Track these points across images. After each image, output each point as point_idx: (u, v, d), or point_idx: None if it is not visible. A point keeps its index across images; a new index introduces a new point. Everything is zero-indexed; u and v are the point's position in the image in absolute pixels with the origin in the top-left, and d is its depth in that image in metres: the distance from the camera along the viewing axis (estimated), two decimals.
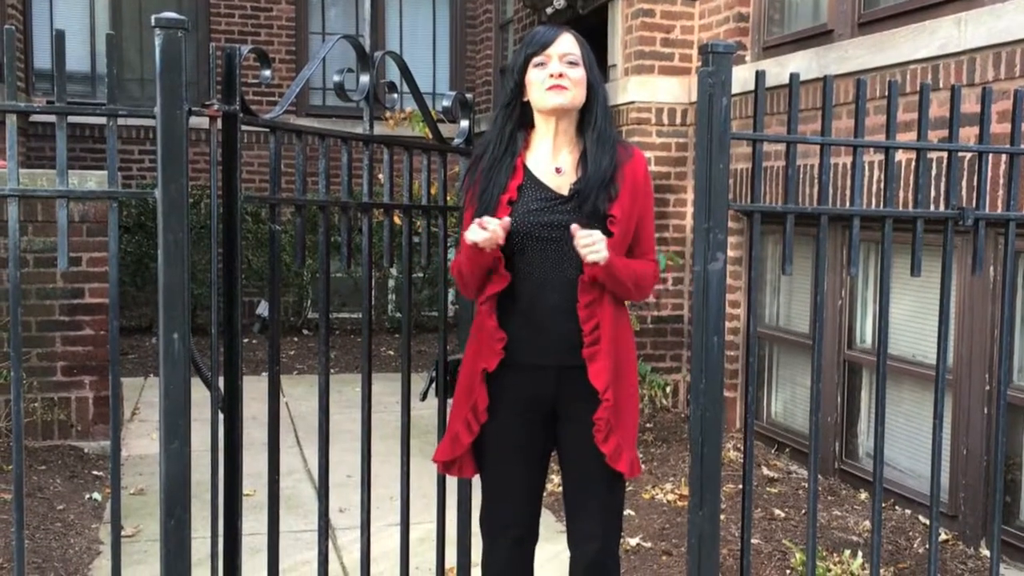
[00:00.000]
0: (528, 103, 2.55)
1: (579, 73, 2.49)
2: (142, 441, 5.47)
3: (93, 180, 4.92)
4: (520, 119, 2.58)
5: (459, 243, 2.67)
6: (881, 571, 3.72)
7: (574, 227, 2.40)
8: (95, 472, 4.83)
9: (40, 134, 9.00)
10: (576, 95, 2.49)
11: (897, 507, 4.55)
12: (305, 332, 9.15)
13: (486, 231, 2.39)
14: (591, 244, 2.38)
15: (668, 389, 6.17)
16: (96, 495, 4.50)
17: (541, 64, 2.49)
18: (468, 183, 2.61)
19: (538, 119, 2.56)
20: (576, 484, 2.62)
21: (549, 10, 7.55)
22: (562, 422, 2.59)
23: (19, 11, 9.01)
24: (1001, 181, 3.85)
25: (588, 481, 2.58)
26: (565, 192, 2.51)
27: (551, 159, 2.55)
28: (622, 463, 2.51)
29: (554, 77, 2.46)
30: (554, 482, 4.31)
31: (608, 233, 2.46)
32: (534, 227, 2.48)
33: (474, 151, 2.68)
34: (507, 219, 2.43)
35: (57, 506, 4.33)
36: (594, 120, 2.53)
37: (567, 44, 2.50)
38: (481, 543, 2.71)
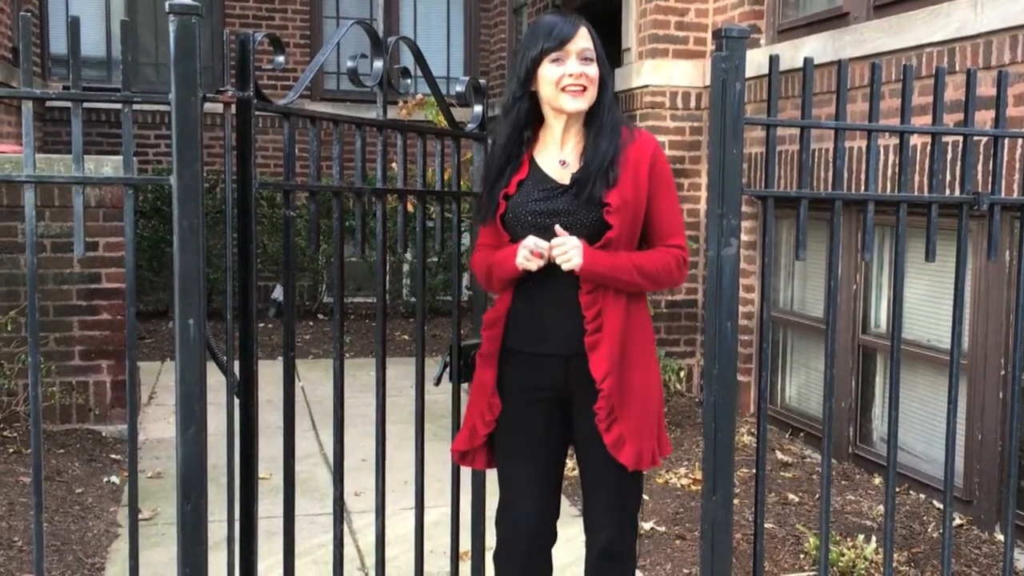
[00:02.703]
0: (535, 92, 2.52)
1: (595, 70, 2.47)
2: (159, 425, 5.50)
3: (109, 165, 4.94)
4: (528, 111, 2.54)
5: (476, 233, 2.68)
6: (895, 555, 3.72)
7: (557, 228, 2.42)
8: (113, 455, 4.87)
9: (56, 119, 9.03)
10: (592, 94, 2.48)
11: (911, 492, 4.54)
12: (320, 316, 9.18)
13: (541, 260, 2.42)
14: (563, 252, 2.40)
15: (682, 374, 6.16)
16: (114, 478, 4.54)
17: (558, 60, 2.45)
18: (485, 176, 2.64)
19: (548, 113, 2.54)
20: (587, 474, 2.62)
21: None
22: (574, 411, 2.59)
23: None
24: (1017, 165, 3.83)
25: (598, 470, 2.58)
26: (567, 182, 2.50)
27: (558, 152, 2.55)
28: (624, 454, 2.48)
29: (573, 77, 2.44)
30: (568, 466, 4.32)
31: (606, 224, 2.45)
32: (530, 215, 2.48)
33: (491, 145, 2.69)
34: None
35: (75, 489, 4.37)
36: (600, 112, 2.51)
37: (584, 40, 2.47)
38: (496, 541, 2.67)
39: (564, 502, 4.22)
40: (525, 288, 2.54)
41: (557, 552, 2.69)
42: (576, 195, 2.47)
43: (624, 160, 2.48)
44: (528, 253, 2.41)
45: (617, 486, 2.57)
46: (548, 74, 2.47)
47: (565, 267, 2.40)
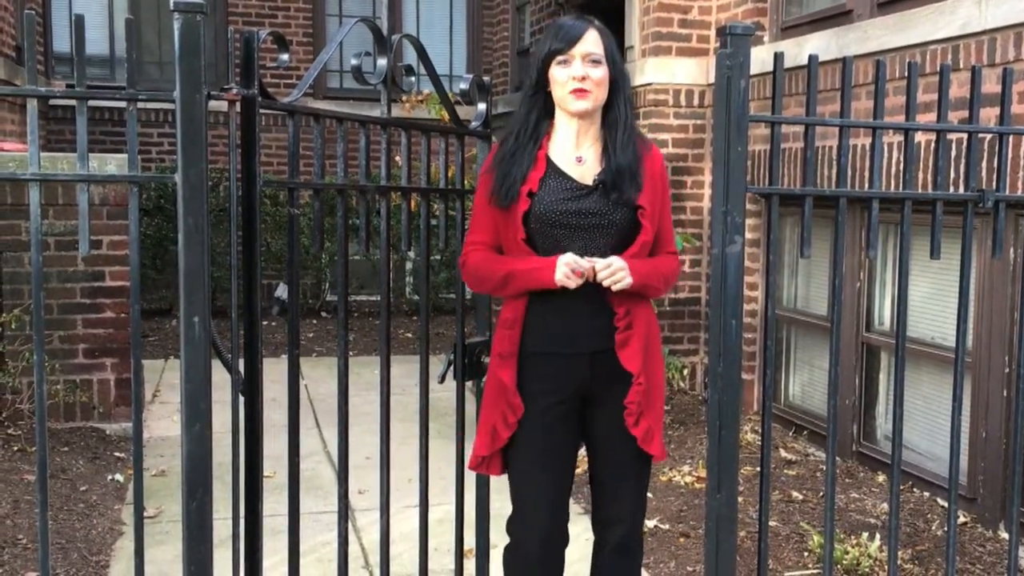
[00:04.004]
0: (551, 92, 2.55)
1: (601, 73, 2.49)
2: (163, 423, 5.51)
3: (113, 164, 4.95)
4: (544, 108, 2.58)
5: (470, 232, 2.66)
6: (899, 553, 3.71)
7: (594, 261, 2.43)
8: (117, 453, 4.88)
9: (60, 117, 9.04)
10: (598, 96, 2.50)
11: (915, 489, 4.54)
12: (324, 314, 9.19)
13: (580, 279, 2.42)
14: (612, 275, 2.42)
15: (685, 371, 6.17)
16: (118, 476, 4.55)
17: (564, 62, 2.48)
18: (487, 169, 2.61)
19: (560, 113, 2.57)
20: (606, 468, 2.63)
21: None
22: (594, 409, 2.60)
23: None
24: (1022, 162, 3.82)
25: (619, 465, 2.60)
26: (589, 182, 2.52)
27: (573, 149, 2.56)
28: (654, 446, 2.55)
29: (576, 80, 2.46)
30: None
31: (638, 223, 2.49)
32: (562, 215, 2.49)
33: (499, 139, 2.68)
34: (597, 259, 2.45)
35: (80, 487, 4.38)
36: (618, 114, 2.54)
37: (591, 43, 2.49)
38: (507, 538, 2.67)
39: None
40: (551, 289, 2.51)
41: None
42: (605, 195, 2.49)
43: (643, 169, 2.53)
44: (569, 272, 2.42)
45: (637, 480, 2.62)
46: (556, 75, 2.51)
47: (616, 288, 2.43)
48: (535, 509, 2.59)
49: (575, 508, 4.09)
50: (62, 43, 9.36)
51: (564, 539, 2.64)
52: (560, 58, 2.49)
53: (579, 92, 2.47)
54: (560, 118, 2.57)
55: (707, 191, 6.16)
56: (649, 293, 2.55)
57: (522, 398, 2.56)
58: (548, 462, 2.58)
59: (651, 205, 2.52)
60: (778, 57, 2.35)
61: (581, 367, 2.55)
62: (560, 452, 2.60)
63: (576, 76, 2.46)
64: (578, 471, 2.75)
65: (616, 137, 2.52)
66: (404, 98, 7.03)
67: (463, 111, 2.81)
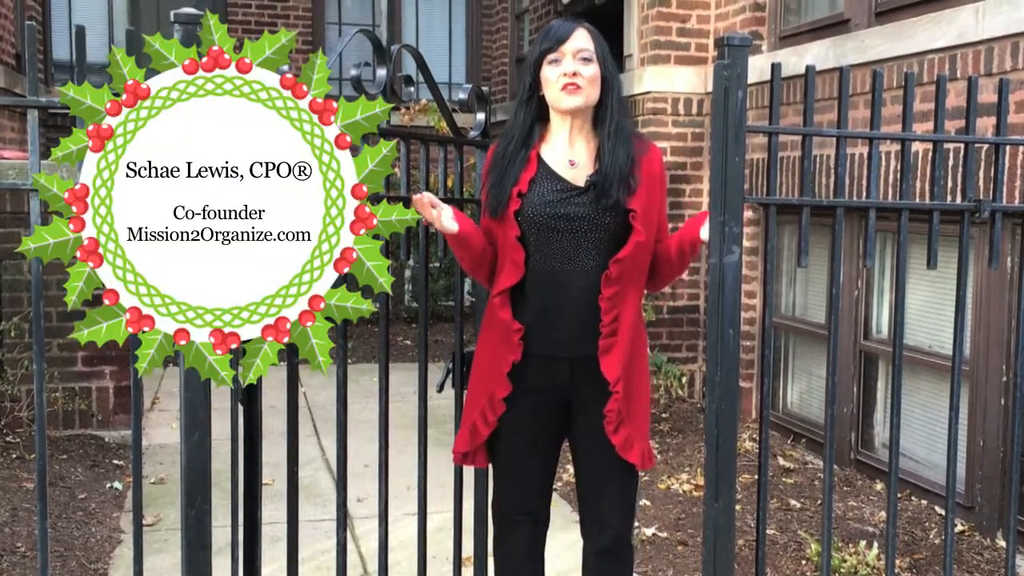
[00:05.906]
0: (543, 97, 2.56)
1: (592, 70, 2.49)
2: (162, 430, 5.51)
3: None
4: (538, 112, 2.58)
5: None
6: (897, 562, 3.72)
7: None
8: (116, 461, 4.88)
9: (60, 125, 9.04)
10: (590, 93, 2.49)
11: (913, 498, 4.55)
12: None
13: (446, 219, 2.43)
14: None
15: (684, 379, 6.17)
16: (117, 484, 4.55)
17: (555, 61, 2.49)
18: (486, 177, 2.62)
19: (553, 115, 2.57)
20: (589, 474, 2.63)
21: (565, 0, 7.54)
22: (575, 412, 2.61)
23: (38, 2, 9.06)
24: (1019, 172, 3.83)
25: (601, 471, 2.60)
26: (581, 183, 2.52)
27: (566, 152, 2.56)
28: (633, 454, 2.53)
29: (567, 76, 2.46)
30: (569, 472, 4.32)
31: (629, 227, 2.48)
32: (549, 218, 2.49)
33: (496, 146, 2.69)
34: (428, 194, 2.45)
35: (79, 495, 4.38)
36: (609, 115, 2.53)
37: (581, 40, 2.50)
38: (493, 530, 2.74)
39: (565, 507, 4.23)
40: (533, 291, 2.54)
41: (560, 559, 2.70)
42: (596, 200, 2.48)
43: (640, 170, 2.52)
44: (427, 207, 2.42)
45: (621, 486, 2.61)
46: (548, 75, 2.51)
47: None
48: (522, 496, 2.66)
49: (572, 515, 4.09)
50: (62, 50, 9.37)
51: (547, 520, 2.73)
52: (551, 56, 2.49)
53: (570, 88, 2.47)
54: (554, 119, 2.57)
55: (705, 199, 6.17)
56: (679, 268, 2.61)
57: (505, 399, 2.58)
58: (532, 452, 2.63)
59: (645, 208, 2.50)
60: (775, 68, 2.37)
61: (561, 371, 2.56)
62: (545, 440, 2.64)
63: (567, 72, 2.46)
64: (568, 474, 2.77)
65: (606, 140, 2.52)
66: (404, 108, 7.05)
67: (462, 118, 2.82)
